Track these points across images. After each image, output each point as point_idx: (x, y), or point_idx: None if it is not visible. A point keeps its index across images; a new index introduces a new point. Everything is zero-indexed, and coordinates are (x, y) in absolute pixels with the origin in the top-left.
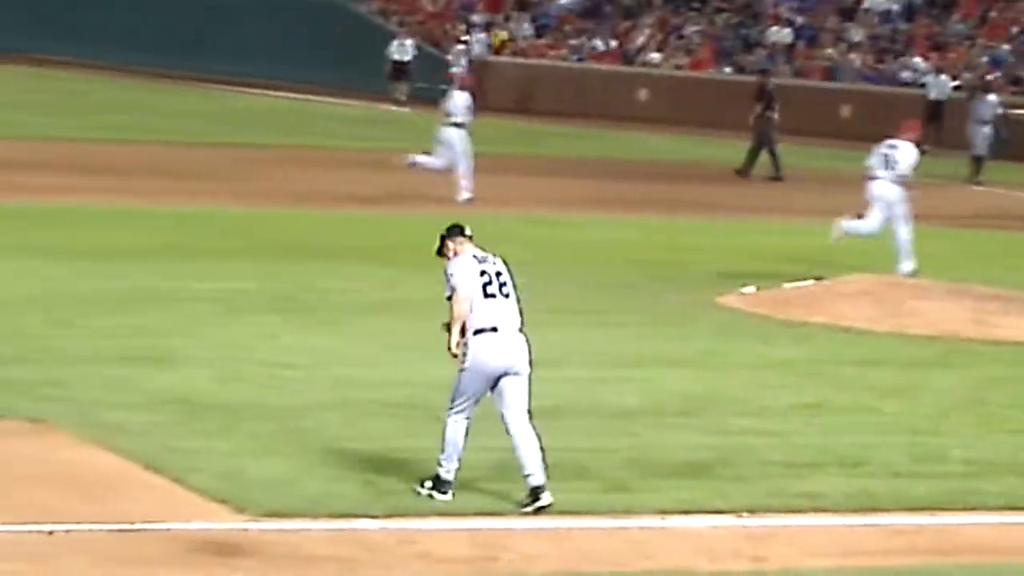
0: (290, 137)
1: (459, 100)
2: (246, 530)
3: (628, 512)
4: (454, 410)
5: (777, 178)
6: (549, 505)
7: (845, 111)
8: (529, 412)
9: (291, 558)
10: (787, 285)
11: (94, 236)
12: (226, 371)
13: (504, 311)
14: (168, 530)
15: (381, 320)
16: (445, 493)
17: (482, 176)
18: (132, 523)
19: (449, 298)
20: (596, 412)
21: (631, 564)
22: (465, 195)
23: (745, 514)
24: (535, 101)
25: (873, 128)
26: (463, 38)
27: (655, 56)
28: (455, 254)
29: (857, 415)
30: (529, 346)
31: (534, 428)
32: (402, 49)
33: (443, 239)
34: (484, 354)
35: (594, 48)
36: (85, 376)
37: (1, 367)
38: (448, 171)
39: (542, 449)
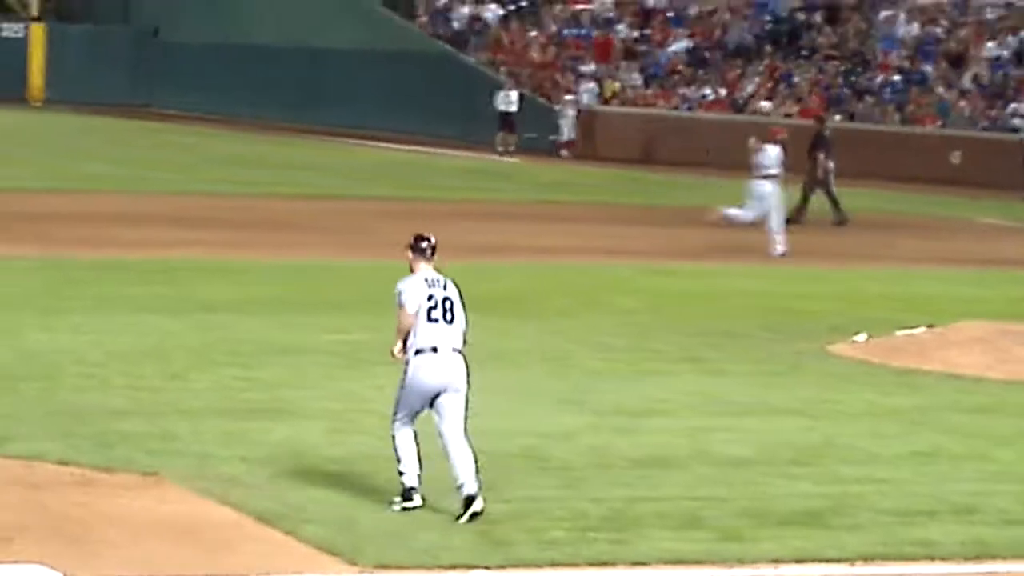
0: (402, 189)
1: (771, 153)
2: None
3: (742, 561)
4: (397, 422)
5: (841, 222)
6: (481, 511)
7: (955, 158)
8: (465, 428)
9: None
10: (899, 333)
11: (210, 289)
12: (340, 423)
13: (445, 334)
14: None
15: (494, 371)
16: (412, 499)
17: (593, 226)
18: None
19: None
20: (708, 461)
21: None
22: (780, 249)
23: (859, 563)
24: (641, 150)
25: (983, 175)
26: (572, 88)
27: (765, 104)
28: (411, 270)
29: (970, 463)
30: (467, 366)
31: (468, 441)
32: (507, 100)
33: (409, 247)
34: (422, 373)
35: (704, 97)
36: (199, 429)
37: (116, 420)
38: (757, 224)
39: (476, 461)
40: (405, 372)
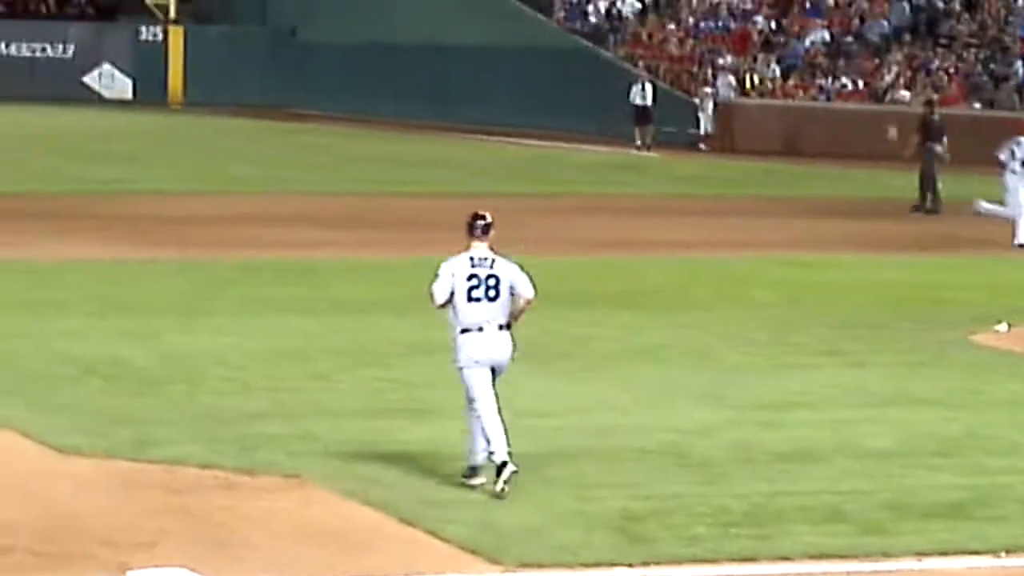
0: (540, 185)
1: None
2: None
3: (885, 555)
4: (476, 405)
5: (919, 208)
6: (516, 472)
7: None
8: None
9: None
10: None
11: (349, 289)
12: None
13: (488, 312)
14: None
15: (633, 366)
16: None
17: (731, 219)
18: None
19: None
20: (850, 454)
21: None
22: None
23: (1003, 554)
24: (780, 142)
25: None
26: (710, 81)
27: (904, 94)
28: (465, 248)
29: None
30: (513, 341)
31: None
32: (642, 94)
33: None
34: (473, 350)
35: (842, 87)
36: (339, 429)
37: (257, 423)
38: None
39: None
40: (456, 354)
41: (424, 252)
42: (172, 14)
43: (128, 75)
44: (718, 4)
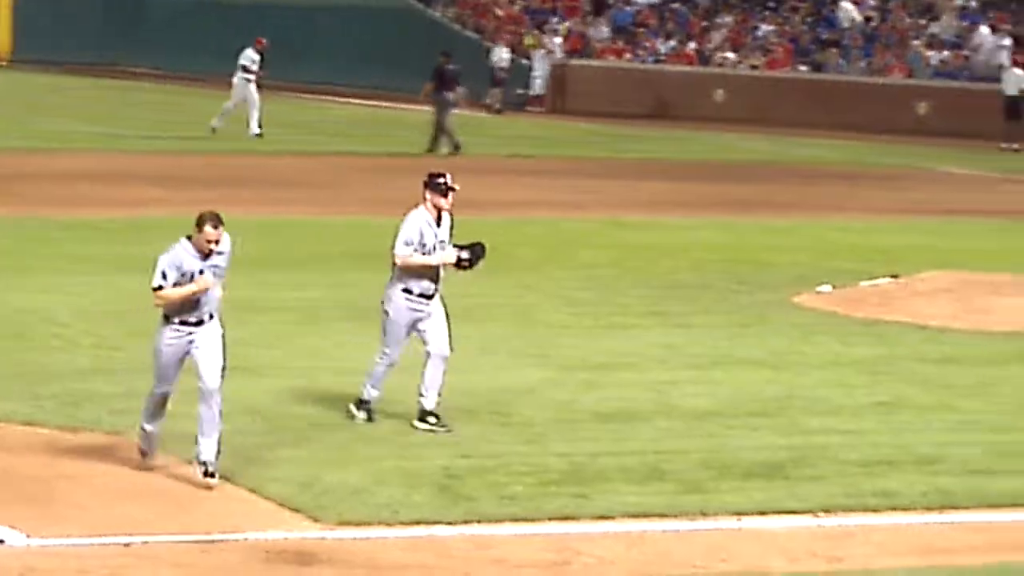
0: (366, 144)
1: None
2: (323, 539)
3: (703, 514)
4: None
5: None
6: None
7: (922, 108)
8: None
9: (367, 567)
10: (863, 283)
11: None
12: (303, 380)
13: None
14: (245, 540)
15: (458, 326)
16: None
17: (562, 179)
18: (209, 533)
19: None
20: (672, 414)
21: (707, 566)
22: None
23: (821, 514)
24: (608, 103)
25: (951, 125)
26: (543, 43)
27: (731, 56)
28: None
29: (934, 413)
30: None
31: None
32: (500, 57)
33: None
34: None
35: (672, 50)
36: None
37: (81, 380)
38: None
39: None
40: None
41: (246, 210)
42: None
43: None
44: None
